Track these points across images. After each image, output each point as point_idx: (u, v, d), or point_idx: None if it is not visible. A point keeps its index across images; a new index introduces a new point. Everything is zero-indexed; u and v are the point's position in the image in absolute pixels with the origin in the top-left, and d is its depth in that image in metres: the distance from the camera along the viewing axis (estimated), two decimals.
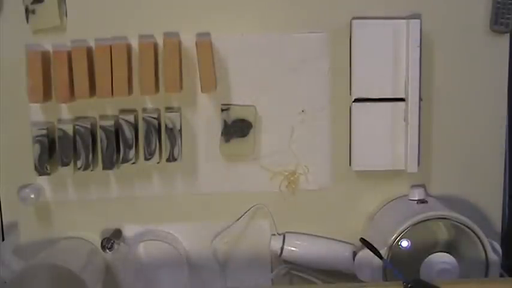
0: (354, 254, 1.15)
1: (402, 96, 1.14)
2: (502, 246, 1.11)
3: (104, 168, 1.13)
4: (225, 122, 1.14)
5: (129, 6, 1.13)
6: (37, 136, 1.10)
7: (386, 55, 1.13)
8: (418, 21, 1.11)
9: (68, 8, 1.13)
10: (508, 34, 1.16)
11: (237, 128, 1.14)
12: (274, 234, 1.19)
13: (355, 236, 1.17)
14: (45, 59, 1.11)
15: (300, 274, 1.19)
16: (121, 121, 1.12)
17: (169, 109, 1.16)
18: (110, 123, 1.12)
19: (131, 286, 1.19)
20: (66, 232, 1.18)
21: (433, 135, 1.18)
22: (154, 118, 1.12)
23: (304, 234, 1.19)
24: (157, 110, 1.15)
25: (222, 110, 1.14)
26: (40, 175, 1.12)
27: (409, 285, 0.95)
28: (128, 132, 1.12)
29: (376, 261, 1.07)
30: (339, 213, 1.19)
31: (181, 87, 1.14)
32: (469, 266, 1.08)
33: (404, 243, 1.08)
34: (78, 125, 1.11)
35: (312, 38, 1.15)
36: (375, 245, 1.07)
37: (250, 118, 1.14)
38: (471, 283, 1.02)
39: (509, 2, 1.14)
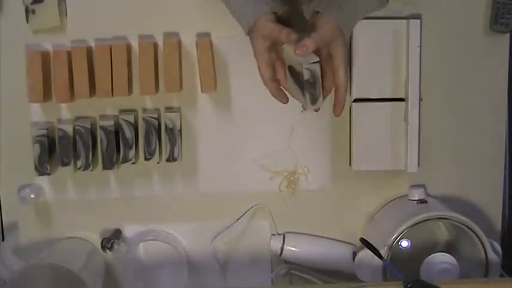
0: (354, 254, 1.15)
1: (402, 96, 1.14)
2: (502, 246, 1.11)
3: (104, 168, 1.13)
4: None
5: (129, 6, 1.13)
6: (37, 136, 1.10)
7: (386, 55, 1.13)
8: (418, 21, 1.12)
9: (68, 8, 1.13)
10: (508, 34, 1.16)
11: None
12: (274, 234, 1.19)
13: (355, 236, 1.17)
14: (45, 59, 1.11)
15: (300, 274, 1.19)
16: (121, 121, 1.12)
17: (169, 109, 1.16)
18: (110, 123, 1.12)
19: (131, 286, 1.19)
20: (66, 232, 1.18)
21: (433, 135, 1.18)
22: (154, 118, 1.12)
23: (304, 234, 1.19)
24: (157, 110, 1.15)
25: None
26: (40, 175, 1.12)
27: (409, 285, 0.95)
28: (128, 132, 1.12)
29: (376, 261, 1.07)
30: (339, 213, 1.19)
31: (181, 87, 1.14)
32: (469, 266, 1.08)
33: (404, 243, 1.08)
34: (78, 125, 1.11)
35: None
36: (375, 245, 1.07)
37: None
38: (471, 283, 1.02)
39: (509, 2, 1.14)
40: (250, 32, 1.03)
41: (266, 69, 1.03)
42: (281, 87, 1.05)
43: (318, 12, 1.02)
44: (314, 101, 1.01)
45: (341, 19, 1.00)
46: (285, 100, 1.06)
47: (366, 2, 1.06)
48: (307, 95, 1.00)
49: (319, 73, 0.99)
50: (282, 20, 1.03)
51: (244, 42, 1.13)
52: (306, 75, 0.98)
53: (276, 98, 1.05)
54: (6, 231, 1.17)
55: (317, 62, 0.98)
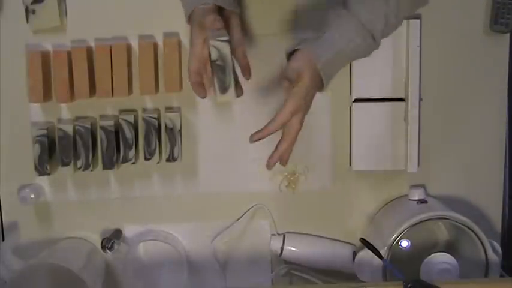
0: (354, 254, 1.15)
1: (402, 96, 1.14)
2: (502, 246, 1.11)
3: (104, 168, 1.13)
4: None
5: (129, 6, 1.14)
6: (37, 136, 1.10)
7: (386, 55, 1.13)
8: (418, 21, 1.12)
9: (68, 8, 1.13)
10: (508, 34, 1.16)
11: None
12: (274, 234, 1.19)
13: (355, 236, 1.17)
14: (45, 59, 1.11)
15: (300, 274, 1.19)
16: (121, 121, 1.12)
17: (169, 109, 1.16)
18: (110, 123, 1.12)
19: (131, 286, 1.19)
20: (66, 232, 1.18)
21: (433, 135, 1.18)
22: (154, 118, 1.12)
23: (304, 234, 1.19)
24: (157, 110, 1.15)
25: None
26: (40, 175, 1.12)
27: (409, 285, 0.95)
28: (128, 132, 1.12)
29: (376, 261, 1.07)
30: (339, 213, 1.19)
31: (181, 87, 1.14)
32: (469, 266, 1.08)
33: (404, 243, 1.08)
34: (78, 125, 1.11)
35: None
36: (375, 245, 1.07)
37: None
38: (471, 283, 1.02)
39: (509, 2, 1.14)
40: (189, 20, 0.99)
41: (195, 63, 0.97)
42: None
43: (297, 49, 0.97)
44: (224, 89, 0.93)
45: (321, 56, 0.94)
46: (203, 95, 1.01)
47: (353, 46, 0.96)
48: (216, 81, 0.93)
49: (229, 56, 0.92)
50: (229, 21, 0.98)
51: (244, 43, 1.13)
52: (213, 54, 0.91)
53: (196, 93, 1.01)
54: (6, 231, 1.17)
55: (226, 40, 0.91)
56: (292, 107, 0.94)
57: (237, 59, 1.00)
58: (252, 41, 1.14)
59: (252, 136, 0.97)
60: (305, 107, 0.96)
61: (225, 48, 0.91)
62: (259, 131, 0.96)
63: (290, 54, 0.98)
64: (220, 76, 0.92)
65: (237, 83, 0.98)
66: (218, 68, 0.92)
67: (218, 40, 0.90)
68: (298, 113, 0.95)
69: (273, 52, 1.14)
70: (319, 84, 0.96)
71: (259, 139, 0.96)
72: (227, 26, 0.97)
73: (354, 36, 0.95)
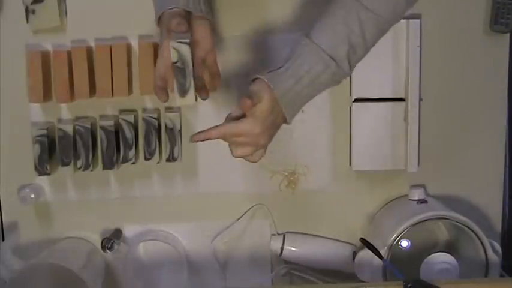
0: (354, 254, 1.15)
1: (402, 96, 1.14)
2: (502, 246, 1.11)
3: (104, 168, 1.13)
4: None
5: (129, 6, 1.14)
6: (37, 136, 1.10)
7: (386, 55, 1.13)
8: (418, 21, 1.12)
9: (68, 8, 1.13)
10: (508, 34, 1.16)
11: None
12: (274, 234, 1.19)
13: (355, 236, 1.17)
14: (45, 59, 1.11)
15: (300, 274, 1.19)
16: (121, 121, 1.12)
17: (169, 109, 1.16)
18: (110, 123, 1.12)
19: (131, 286, 1.19)
20: (66, 232, 1.18)
21: (433, 135, 1.18)
22: (154, 118, 1.12)
23: (304, 234, 1.19)
24: (157, 110, 1.15)
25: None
26: (40, 175, 1.12)
27: (409, 285, 0.95)
28: (128, 132, 1.12)
29: (376, 261, 1.07)
30: (339, 213, 1.19)
31: None
32: (469, 266, 1.08)
33: (404, 243, 1.08)
34: (78, 125, 1.11)
35: None
36: (375, 245, 1.07)
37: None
38: (471, 283, 1.02)
39: (509, 2, 1.14)
40: (159, 24, 0.97)
41: (161, 67, 0.95)
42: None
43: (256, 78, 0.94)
44: (183, 92, 0.90)
45: (278, 85, 0.92)
46: (165, 99, 0.97)
47: (314, 74, 0.92)
48: (176, 84, 0.90)
49: (189, 58, 0.89)
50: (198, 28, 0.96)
51: (244, 43, 1.13)
52: (174, 56, 0.88)
53: (157, 97, 0.97)
54: (6, 231, 1.17)
55: (187, 43, 0.88)
56: (246, 125, 0.91)
57: (207, 66, 0.99)
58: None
59: (192, 136, 0.93)
60: (262, 136, 0.92)
61: (185, 50, 0.88)
62: (202, 132, 0.92)
63: (251, 82, 0.96)
64: (179, 79, 0.90)
65: (203, 87, 0.96)
66: (178, 70, 0.90)
67: (178, 42, 0.88)
68: (249, 137, 0.91)
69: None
70: (281, 114, 0.93)
71: (199, 141, 0.93)
72: (197, 32, 0.96)
73: (315, 63, 0.92)
